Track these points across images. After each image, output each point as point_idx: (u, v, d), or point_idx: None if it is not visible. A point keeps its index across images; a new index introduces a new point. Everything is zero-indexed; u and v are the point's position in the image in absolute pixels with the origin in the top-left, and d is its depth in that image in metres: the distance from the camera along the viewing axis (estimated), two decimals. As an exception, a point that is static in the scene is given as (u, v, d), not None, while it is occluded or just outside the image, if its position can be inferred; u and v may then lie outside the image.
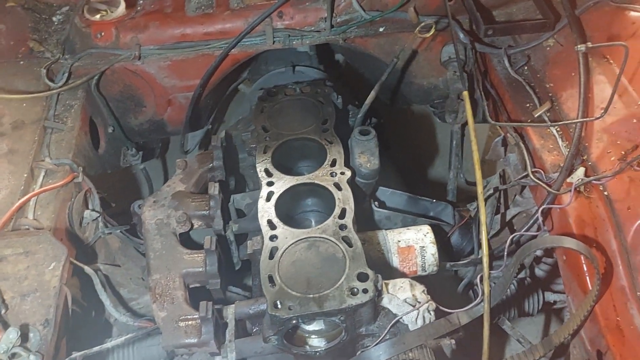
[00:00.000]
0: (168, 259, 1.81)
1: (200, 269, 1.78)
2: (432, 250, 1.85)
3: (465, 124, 2.39)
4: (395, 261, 1.85)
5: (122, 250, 2.14)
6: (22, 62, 2.22)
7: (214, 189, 1.94)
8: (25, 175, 1.89)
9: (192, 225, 1.95)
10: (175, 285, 1.74)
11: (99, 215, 2.02)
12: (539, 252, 2.02)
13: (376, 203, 2.05)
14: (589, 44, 1.78)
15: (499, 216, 2.11)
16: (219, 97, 2.98)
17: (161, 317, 1.67)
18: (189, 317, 1.66)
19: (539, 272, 2.17)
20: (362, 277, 1.56)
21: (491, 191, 2.08)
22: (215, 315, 1.67)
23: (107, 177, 2.84)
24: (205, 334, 1.62)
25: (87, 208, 2.01)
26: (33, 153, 1.96)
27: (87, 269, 1.83)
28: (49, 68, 2.19)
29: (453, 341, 1.72)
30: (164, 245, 1.85)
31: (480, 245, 2.11)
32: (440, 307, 1.70)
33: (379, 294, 1.58)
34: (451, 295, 2.17)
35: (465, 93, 1.84)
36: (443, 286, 2.13)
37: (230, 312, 1.76)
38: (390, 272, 1.85)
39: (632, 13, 1.95)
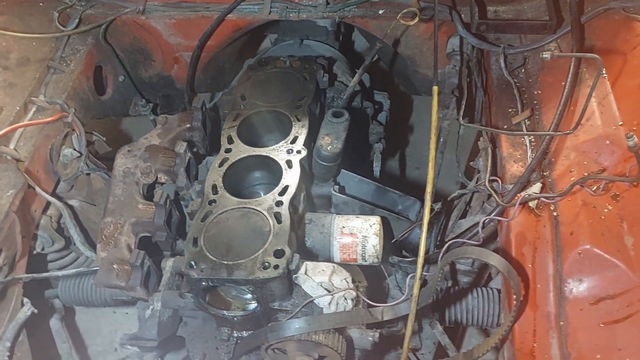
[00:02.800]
0: (124, 206, 1.92)
1: (149, 220, 1.87)
2: (373, 241, 1.83)
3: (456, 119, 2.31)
4: (336, 246, 1.84)
5: (103, 192, 2.29)
6: (40, 4, 2.37)
7: (181, 147, 2.02)
8: (18, 108, 2.05)
9: (157, 179, 2.05)
10: (122, 231, 1.85)
11: (80, 155, 2.16)
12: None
13: (336, 187, 2.04)
14: (556, 52, 1.66)
15: (462, 220, 2.03)
16: (242, 62, 3.03)
17: (101, 257, 1.80)
18: (124, 262, 1.77)
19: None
20: (279, 254, 1.58)
21: (458, 194, 2.01)
22: (149, 265, 1.77)
23: (113, 123, 3.02)
24: (133, 280, 1.72)
25: (70, 147, 2.15)
26: (30, 89, 2.12)
27: (54, 202, 1.99)
28: (62, 12, 2.33)
29: (376, 334, 1.72)
30: (124, 192, 1.95)
31: (436, 245, 2.06)
32: (364, 298, 1.70)
33: (292, 272, 1.60)
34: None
35: (435, 88, 1.77)
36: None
37: (168, 264, 1.86)
38: (328, 256, 1.85)
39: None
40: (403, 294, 2.09)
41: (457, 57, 2.29)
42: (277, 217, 1.68)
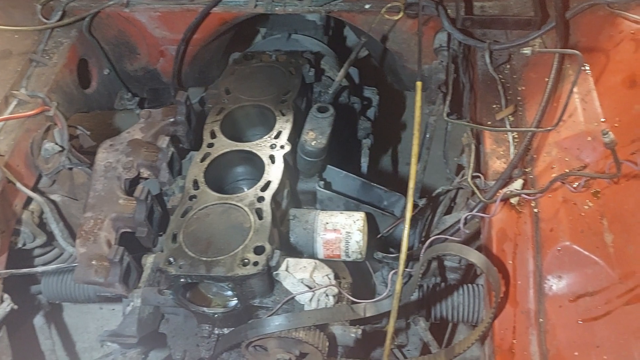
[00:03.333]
0: (104, 201, 1.90)
1: (130, 215, 1.85)
2: (357, 237, 1.82)
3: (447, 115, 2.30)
4: (319, 242, 1.84)
5: (85, 186, 2.27)
6: (23, -4, 2.35)
7: (163, 141, 2.00)
8: (-1, 102, 2.03)
9: (140, 174, 2.03)
10: (102, 226, 1.83)
11: (62, 149, 2.14)
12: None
13: (321, 183, 2.03)
14: (536, 48, 1.65)
15: (446, 217, 2.03)
16: (228, 56, 3.01)
17: (80, 252, 1.78)
18: (103, 257, 1.75)
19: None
20: (259, 250, 1.57)
21: (443, 190, 2.00)
22: (128, 261, 1.76)
23: (100, 117, 2.99)
24: (112, 276, 1.70)
25: (52, 141, 2.12)
26: (12, 82, 2.09)
27: (35, 197, 1.96)
28: (45, 4, 2.30)
29: (359, 331, 1.71)
30: (105, 187, 1.94)
31: (420, 241, 2.05)
32: (346, 295, 1.69)
33: (273, 269, 1.59)
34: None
35: (419, 83, 1.76)
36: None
37: (148, 261, 1.84)
38: (312, 252, 1.84)
39: (624, 21, 1.77)
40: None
41: (444, 53, 2.27)
42: (259, 213, 1.67)
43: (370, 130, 2.47)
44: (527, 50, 1.54)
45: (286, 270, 1.63)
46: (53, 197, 2.12)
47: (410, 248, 2.12)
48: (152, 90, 2.93)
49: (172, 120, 2.15)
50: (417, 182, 2.31)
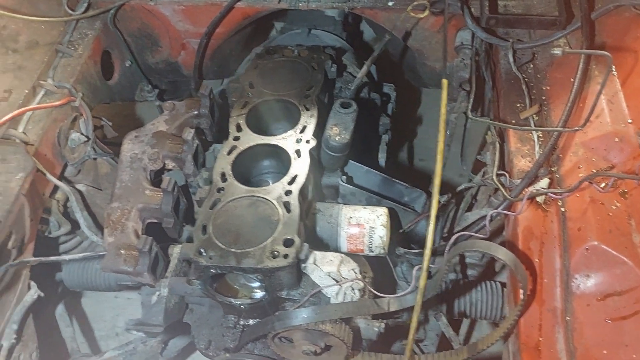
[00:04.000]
0: (131, 191, 1.92)
1: (156, 206, 1.88)
2: (381, 232, 1.84)
3: (465, 113, 2.31)
4: (343, 236, 1.86)
5: (109, 177, 2.29)
6: (49, -13, 2.36)
7: (188, 133, 2.02)
8: (27, 91, 2.04)
9: (165, 165, 2.05)
10: (129, 216, 1.86)
11: (87, 139, 2.16)
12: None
13: (344, 178, 2.05)
14: (566, 48, 1.66)
15: (468, 213, 2.05)
16: (249, 49, 3.03)
17: (108, 242, 1.80)
18: (132, 247, 1.77)
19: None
20: (288, 243, 1.60)
21: (465, 187, 2.02)
22: (156, 251, 1.78)
23: (121, 108, 3.01)
24: (141, 266, 1.73)
25: (78, 131, 2.15)
26: (39, 73, 2.11)
27: (62, 186, 1.99)
28: (71, -4, 2.32)
29: (382, 325, 1.73)
30: (131, 177, 1.96)
31: (444, 238, 2.07)
32: (370, 289, 1.71)
33: (301, 262, 1.61)
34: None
35: (444, 81, 1.77)
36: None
37: (175, 251, 1.87)
38: (335, 246, 1.87)
39: (651, 23, 1.78)
40: (408, 285, 2.11)
41: (465, 51, 2.28)
42: (287, 206, 1.69)
43: (389, 126, 2.48)
44: (557, 51, 1.56)
45: (314, 263, 1.66)
46: (78, 186, 2.14)
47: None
48: (170, 82, 2.95)
49: (195, 112, 2.17)
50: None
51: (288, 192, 1.73)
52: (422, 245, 2.13)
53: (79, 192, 2.12)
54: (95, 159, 2.20)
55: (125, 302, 2.95)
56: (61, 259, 1.93)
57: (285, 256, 1.57)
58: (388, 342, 2.02)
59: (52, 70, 2.15)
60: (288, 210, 1.68)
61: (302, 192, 1.76)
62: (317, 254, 1.68)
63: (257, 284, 1.73)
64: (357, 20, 3.00)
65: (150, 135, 2.08)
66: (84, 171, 2.21)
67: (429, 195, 2.19)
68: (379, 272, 2.09)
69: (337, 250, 1.87)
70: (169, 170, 2.10)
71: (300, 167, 1.81)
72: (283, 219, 1.66)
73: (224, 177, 1.80)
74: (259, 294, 1.72)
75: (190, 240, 1.99)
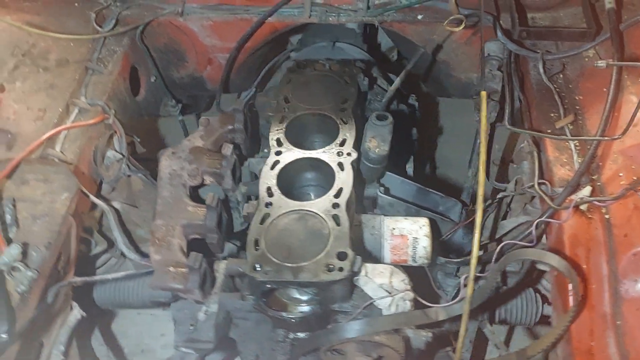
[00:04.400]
0: (173, 208, 1.92)
1: (201, 222, 1.88)
2: (424, 243, 1.87)
3: (493, 123, 2.36)
4: (387, 247, 1.88)
5: (142, 193, 2.29)
6: (76, 4, 2.36)
7: (228, 149, 2.03)
8: (60, 110, 2.04)
9: (203, 180, 2.06)
10: (174, 233, 1.86)
11: (122, 157, 2.16)
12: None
13: (382, 189, 2.07)
14: (609, 61, 1.71)
15: (505, 222, 2.08)
16: (266, 63, 3.05)
17: (155, 259, 1.80)
18: (180, 264, 1.78)
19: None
20: (342, 256, 1.61)
21: (501, 196, 2.06)
22: (205, 267, 1.79)
23: (145, 124, 3.01)
24: (191, 283, 1.73)
25: (113, 149, 2.15)
26: (71, 91, 2.11)
27: (101, 204, 1.98)
28: (98, 13, 2.32)
29: (430, 334, 1.76)
30: (172, 194, 1.96)
31: (482, 247, 2.10)
32: (419, 299, 1.73)
33: (354, 274, 1.63)
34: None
35: (483, 93, 1.81)
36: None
37: (221, 267, 1.87)
38: (379, 257, 1.89)
39: (681, 34, 1.84)
40: (445, 293, 2.14)
41: (492, 62, 2.32)
42: (336, 220, 1.71)
43: (416, 136, 2.52)
44: (601, 63, 1.61)
45: (365, 275, 1.68)
46: (114, 204, 2.14)
47: (468, 253, 2.18)
48: (190, 97, 2.97)
49: (230, 127, 2.18)
50: (468, 187, 2.38)
51: (335, 205, 1.75)
52: (459, 254, 2.18)
53: (115, 210, 2.12)
54: (129, 176, 2.20)
55: (150, 319, 2.94)
56: (105, 278, 1.92)
57: (340, 269, 1.58)
58: (430, 352, 2.05)
59: (83, 87, 2.16)
60: (338, 223, 1.70)
61: (348, 204, 1.78)
62: (368, 266, 1.70)
63: (306, 297, 1.75)
64: (374, 32, 3.04)
65: (187, 151, 2.09)
66: (118, 189, 2.20)
67: (464, 205, 2.23)
68: (415, 281, 2.12)
69: (380, 261, 1.89)
70: (206, 185, 2.11)
71: (344, 180, 1.83)
72: (334, 232, 1.67)
73: (270, 192, 1.81)
74: (304, 307, 1.73)
75: (233, 255, 2.01)
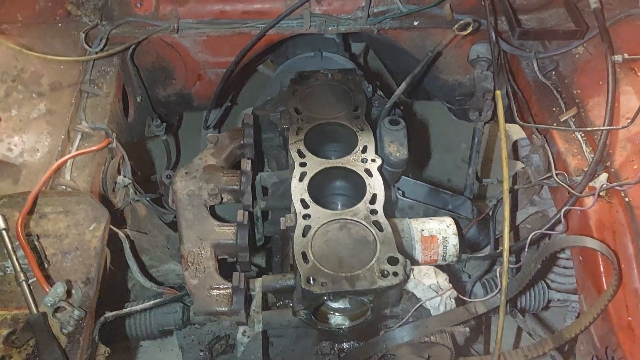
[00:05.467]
0: (199, 230, 1.85)
1: (231, 242, 1.83)
2: (454, 241, 1.92)
3: (488, 122, 2.46)
4: (418, 249, 1.91)
5: (148, 218, 2.19)
6: (60, 25, 2.23)
7: (247, 165, 1.99)
8: (63, 137, 1.92)
9: (222, 199, 2.00)
10: (207, 255, 1.79)
11: (130, 182, 2.06)
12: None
13: (400, 192, 2.11)
14: (625, 55, 1.84)
15: (517, 213, 2.18)
16: (239, 77, 3.01)
17: (193, 284, 1.73)
18: (220, 286, 1.72)
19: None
20: (393, 261, 1.62)
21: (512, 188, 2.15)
22: (246, 287, 1.73)
23: (134, 146, 2.88)
24: (236, 304, 1.67)
25: (119, 174, 2.04)
26: (70, 116, 1.99)
27: (121, 234, 1.87)
28: (87, 33, 2.20)
29: (467, 329, 1.80)
30: (196, 215, 1.89)
31: (496, 241, 2.19)
32: (460, 296, 1.78)
33: (408, 278, 1.65)
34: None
35: (498, 92, 1.90)
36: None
37: (257, 284, 1.82)
38: (411, 259, 1.91)
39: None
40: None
41: (481, 63, 2.44)
42: (378, 226, 1.72)
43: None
44: (618, 58, 1.73)
45: (414, 277, 1.70)
46: (125, 231, 2.03)
47: (485, 247, 2.26)
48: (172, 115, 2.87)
49: (240, 143, 2.14)
50: (471, 185, 2.47)
51: (373, 212, 1.76)
52: (474, 250, 2.25)
53: (128, 238, 2.01)
54: (138, 200, 2.10)
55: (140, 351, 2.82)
56: (134, 310, 1.81)
57: (395, 274, 1.59)
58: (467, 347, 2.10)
59: (82, 111, 2.04)
60: (380, 229, 1.71)
61: (385, 209, 1.80)
62: (412, 268, 1.72)
63: (349, 307, 1.74)
64: (347, 41, 3.09)
65: (200, 170, 2.03)
66: (125, 215, 2.10)
67: (472, 202, 2.31)
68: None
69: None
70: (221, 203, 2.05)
71: (376, 186, 1.84)
72: (379, 238, 1.68)
73: (305, 204, 1.79)
74: (335, 318, 1.73)
75: (259, 274, 1.96)
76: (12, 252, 1.47)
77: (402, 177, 2.18)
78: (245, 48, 2.28)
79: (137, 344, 2.79)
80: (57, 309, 1.41)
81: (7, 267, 1.50)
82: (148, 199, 2.18)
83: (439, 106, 3.22)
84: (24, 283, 1.43)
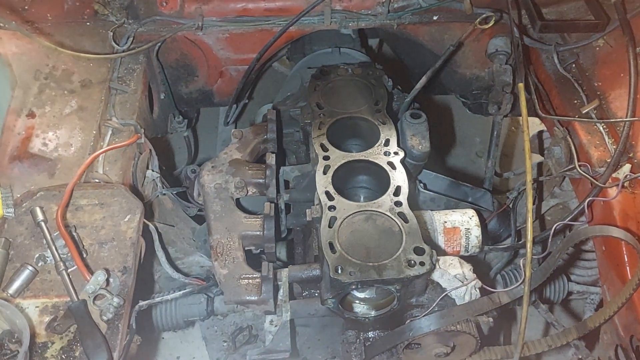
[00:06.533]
0: (227, 221, 1.90)
1: (258, 233, 1.87)
2: (476, 232, 1.95)
3: (507, 115, 2.48)
4: (441, 240, 1.94)
5: (174, 211, 2.24)
6: (88, 24, 2.29)
7: (272, 159, 2.03)
8: (94, 132, 1.97)
9: (247, 192, 2.05)
10: (235, 246, 1.84)
11: (158, 175, 2.11)
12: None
13: (422, 184, 2.14)
14: None
15: (534, 206, 2.20)
16: (256, 73, 3.05)
17: (223, 274, 1.77)
18: (249, 276, 1.76)
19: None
20: (419, 251, 1.65)
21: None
22: (274, 277, 1.78)
23: (158, 141, 2.94)
24: (265, 293, 1.72)
25: (148, 168, 2.09)
26: (100, 112, 2.04)
27: (151, 226, 1.93)
28: (114, 31, 2.26)
29: (490, 319, 1.83)
30: (223, 208, 1.94)
31: (518, 232, 2.21)
32: (485, 286, 1.81)
33: (434, 267, 1.68)
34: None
35: (521, 85, 1.92)
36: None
37: (284, 274, 1.87)
38: (436, 250, 1.94)
39: (684, 20, 2.03)
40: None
41: (500, 57, 2.46)
42: (403, 217, 1.75)
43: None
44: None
45: (439, 268, 1.73)
46: (153, 224, 2.08)
47: (505, 239, 2.28)
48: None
49: (264, 137, 2.18)
50: (489, 177, 2.49)
51: (398, 203, 1.79)
52: (494, 241, 2.27)
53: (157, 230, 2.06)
54: (164, 194, 2.15)
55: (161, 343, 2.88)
56: (165, 299, 1.86)
57: (422, 263, 1.62)
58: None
59: (111, 108, 2.09)
60: (405, 220, 1.74)
61: (409, 201, 1.83)
62: (439, 258, 1.75)
63: (375, 296, 1.77)
64: (363, 36, 3.12)
65: (226, 164, 2.07)
66: (153, 208, 2.15)
67: (492, 194, 2.33)
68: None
69: (435, 254, 1.94)
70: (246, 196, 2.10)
71: (399, 178, 1.87)
72: (404, 229, 1.71)
73: (330, 196, 1.82)
74: (359, 307, 1.76)
75: (284, 265, 2.00)
76: (51, 243, 1.53)
77: (423, 170, 2.21)
78: (267, 44, 2.32)
79: (159, 336, 2.84)
80: (96, 297, 1.46)
81: (47, 257, 1.55)
82: (174, 192, 2.23)
83: (453, 100, 3.25)
84: (64, 272, 1.48)
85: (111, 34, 2.23)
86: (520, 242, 2.13)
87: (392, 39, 3.01)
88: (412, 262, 1.63)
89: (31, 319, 1.47)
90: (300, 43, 2.89)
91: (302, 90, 2.37)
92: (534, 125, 2.45)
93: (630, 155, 1.88)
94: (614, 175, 1.85)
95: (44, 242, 1.56)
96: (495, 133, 2.47)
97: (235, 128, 2.72)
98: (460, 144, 3.65)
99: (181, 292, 1.90)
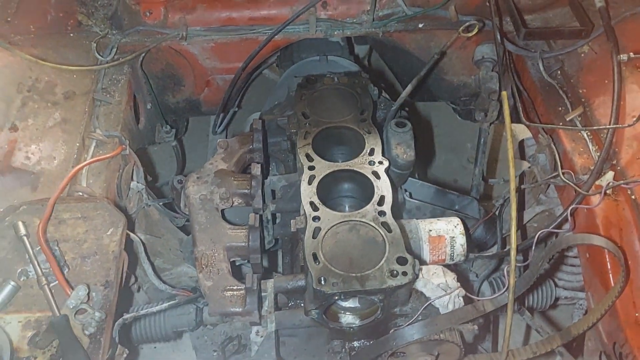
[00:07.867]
0: (212, 233, 1.90)
1: (243, 244, 1.87)
2: (461, 241, 1.94)
3: (494, 122, 2.49)
4: (426, 249, 1.94)
5: (161, 222, 2.24)
6: (71, 35, 2.29)
7: (257, 169, 2.03)
8: (78, 144, 1.97)
9: (233, 203, 2.04)
10: (220, 258, 1.83)
11: (143, 187, 2.11)
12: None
13: (407, 193, 2.14)
14: (631, 54, 1.87)
15: (524, 212, 2.21)
16: (245, 81, 3.05)
17: (207, 286, 1.77)
18: (234, 287, 1.76)
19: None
20: (402, 261, 1.65)
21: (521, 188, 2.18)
22: (259, 288, 1.78)
23: (143, 152, 2.94)
24: (250, 304, 1.71)
25: (133, 180, 2.09)
26: (84, 124, 2.04)
27: (135, 238, 1.92)
28: (98, 42, 2.25)
29: (475, 327, 1.83)
30: (208, 219, 1.93)
31: (503, 240, 2.21)
32: (468, 295, 1.81)
33: (417, 277, 1.68)
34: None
35: (504, 94, 1.92)
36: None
37: (269, 285, 1.86)
38: (419, 259, 1.94)
39: (666, 27, 2.04)
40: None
41: (486, 64, 2.47)
42: (386, 227, 1.75)
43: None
44: (624, 57, 1.76)
45: (422, 277, 1.73)
46: (139, 236, 2.08)
47: (492, 246, 2.28)
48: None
49: (250, 147, 2.18)
50: (477, 185, 2.49)
51: (382, 213, 1.79)
52: (481, 249, 2.27)
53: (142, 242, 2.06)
54: (150, 206, 2.15)
55: (151, 352, 2.87)
56: (151, 311, 1.86)
57: (404, 273, 1.63)
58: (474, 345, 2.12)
59: (95, 119, 2.09)
60: (389, 230, 1.74)
61: (392, 211, 1.83)
62: (422, 267, 1.76)
63: (359, 306, 1.77)
64: (351, 44, 3.12)
65: (212, 174, 2.07)
66: (138, 220, 2.15)
67: (479, 202, 2.33)
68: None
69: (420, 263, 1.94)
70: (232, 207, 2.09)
71: (384, 188, 1.88)
72: (388, 239, 1.71)
73: (314, 206, 1.82)
74: (346, 317, 1.76)
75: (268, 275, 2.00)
76: (33, 257, 1.52)
77: (409, 178, 2.21)
78: (252, 53, 2.32)
79: (150, 346, 2.84)
80: (78, 311, 1.46)
81: (30, 271, 1.54)
82: (160, 203, 2.23)
83: (443, 107, 3.26)
84: (45, 287, 1.48)
85: (94, 45, 2.23)
86: (505, 250, 2.13)
87: (380, 47, 3.01)
88: (395, 272, 1.63)
89: (14, 334, 1.46)
90: (289, 51, 2.89)
91: (289, 99, 2.38)
92: (524, 132, 2.46)
93: (614, 162, 1.89)
94: (597, 182, 1.86)
95: (27, 256, 1.56)
96: (482, 140, 2.47)
97: (226, 136, 2.74)
98: (452, 150, 3.66)
99: (167, 304, 1.89)
